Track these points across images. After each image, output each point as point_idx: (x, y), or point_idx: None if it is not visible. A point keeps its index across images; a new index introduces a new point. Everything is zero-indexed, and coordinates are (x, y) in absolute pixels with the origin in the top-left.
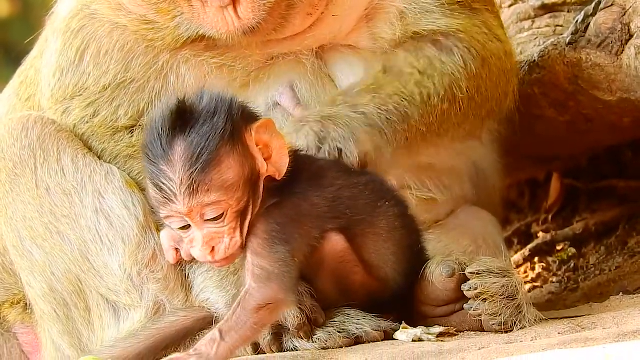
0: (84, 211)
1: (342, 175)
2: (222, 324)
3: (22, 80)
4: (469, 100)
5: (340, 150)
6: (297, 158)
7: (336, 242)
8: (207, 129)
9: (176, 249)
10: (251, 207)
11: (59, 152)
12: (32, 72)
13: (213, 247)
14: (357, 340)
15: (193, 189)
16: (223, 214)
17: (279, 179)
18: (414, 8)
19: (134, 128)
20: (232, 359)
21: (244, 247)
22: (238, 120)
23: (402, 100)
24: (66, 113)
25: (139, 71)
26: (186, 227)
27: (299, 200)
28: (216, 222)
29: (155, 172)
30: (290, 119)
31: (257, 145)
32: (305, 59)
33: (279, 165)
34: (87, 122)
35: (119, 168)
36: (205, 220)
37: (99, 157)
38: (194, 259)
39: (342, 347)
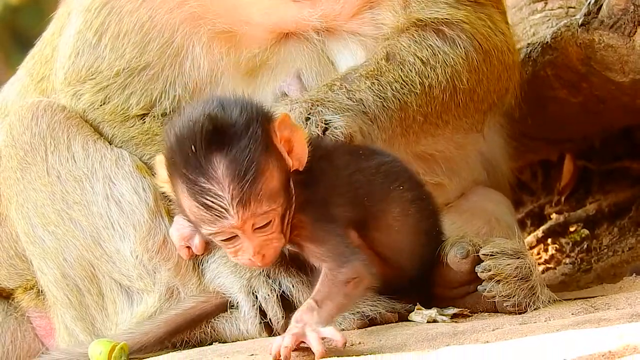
0: (95, 198)
1: (351, 158)
2: (314, 295)
3: (36, 60)
4: (471, 92)
5: (327, 123)
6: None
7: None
8: (246, 142)
9: (187, 246)
10: (289, 207)
11: (69, 139)
12: (48, 50)
13: (263, 255)
14: (372, 322)
15: (245, 202)
16: (271, 220)
17: (301, 170)
18: None
19: (146, 116)
20: (244, 341)
21: (287, 242)
22: (265, 125)
23: (401, 88)
24: (76, 96)
25: (154, 55)
26: (231, 239)
27: (325, 188)
28: (265, 229)
29: (197, 191)
30: (282, 99)
31: (280, 142)
32: (309, 45)
33: (301, 157)
34: (97, 109)
35: (130, 152)
36: (255, 230)
37: (110, 142)
38: (206, 251)
39: (356, 329)
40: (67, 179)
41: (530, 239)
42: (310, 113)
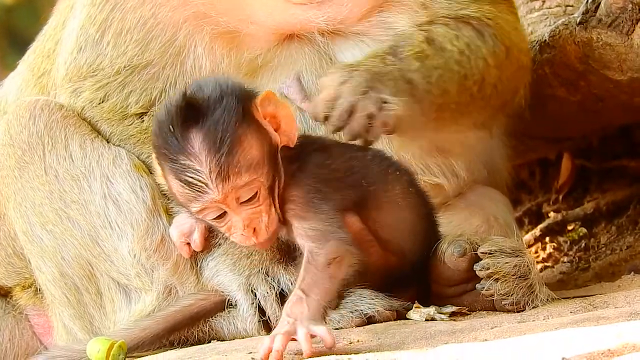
0: (93, 197)
1: (345, 149)
2: (299, 283)
3: (37, 53)
4: (493, 87)
5: (383, 102)
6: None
7: (352, 224)
8: (219, 114)
9: (187, 243)
10: (277, 180)
11: (66, 138)
12: (50, 44)
13: (254, 229)
14: (370, 320)
15: (224, 174)
16: (257, 193)
17: (292, 146)
18: (435, 1)
19: (145, 115)
20: (242, 339)
21: (282, 221)
22: (243, 99)
23: (444, 74)
24: (75, 93)
25: (156, 54)
26: (221, 216)
27: (318, 167)
28: (251, 202)
29: (178, 169)
30: (336, 65)
31: (264, 119)
32: (311, 47)
33: (290, 133)
34: (96, 107)
35: (128, 150)
36: (241, 204)
37: (108, 140)
38: (206, 248)
39: (354, 327)
40: (65, 178)
41: (528, 237)
42: (369, 87)
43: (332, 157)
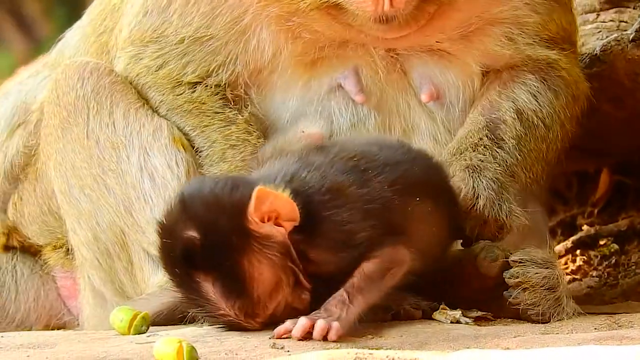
0: (130, 167)
1: (360, 187)
2: (348, 286)
3: (103, 7)
4: (563, 144)
5: (509, 212)
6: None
7: None
8: (222, 255)
9: None
10: (294, 273)
11: (111, 105)
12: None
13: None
14: (395, 317)
15: (251, 312)
16: (284, 302)
17: (298, 223)
18: (519, 34)
19: (198, 85)
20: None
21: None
22: (240, 219)
23: (535, 155)
24: (135, 58)
25: (221, 29)
26: None
27: (329, 215)
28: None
29: (204, 312)
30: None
31: (263, 221)
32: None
33: (292, 215)
34: (152, 74)
35: (174, 122)
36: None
37: (156, 109)
38: None
39: (378, 322)
40: (105, 145)
41: (559, 248)
42: (500, 199)
43: (344, 206)
